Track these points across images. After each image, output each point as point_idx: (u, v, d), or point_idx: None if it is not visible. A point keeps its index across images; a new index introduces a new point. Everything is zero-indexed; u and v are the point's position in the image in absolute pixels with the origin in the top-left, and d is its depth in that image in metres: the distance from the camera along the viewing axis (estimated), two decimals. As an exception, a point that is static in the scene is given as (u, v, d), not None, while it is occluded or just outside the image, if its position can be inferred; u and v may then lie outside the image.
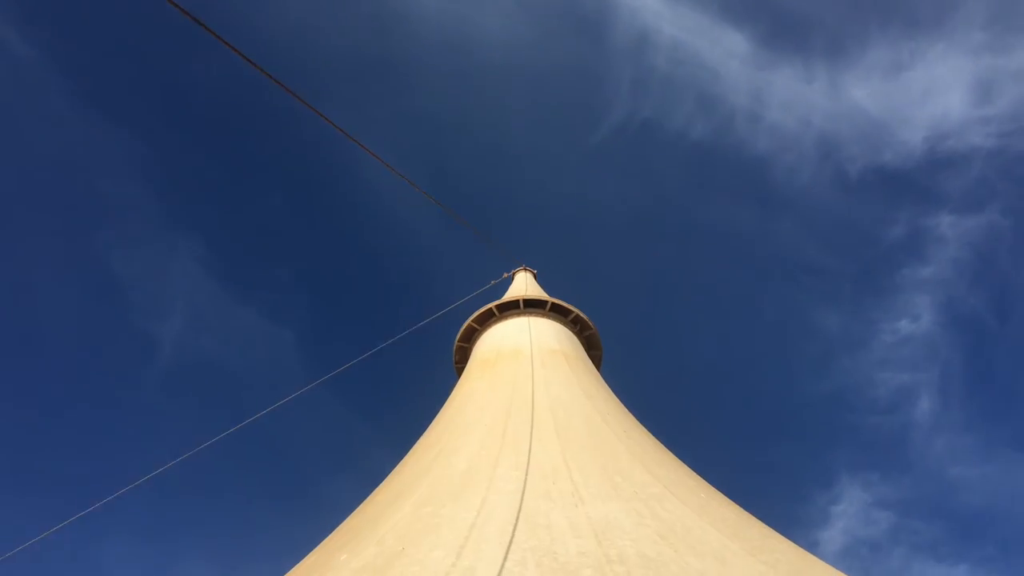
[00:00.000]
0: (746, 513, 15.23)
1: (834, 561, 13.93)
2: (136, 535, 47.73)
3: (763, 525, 14.66)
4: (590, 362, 23.52)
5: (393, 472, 18.28)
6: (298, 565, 14.76)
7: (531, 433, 16.77)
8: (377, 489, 17.53)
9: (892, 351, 57.79)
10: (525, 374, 20.15)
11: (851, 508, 55.54)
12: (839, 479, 56.87)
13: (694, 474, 17.13)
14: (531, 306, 24.54)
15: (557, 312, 24.61)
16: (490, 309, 24.68)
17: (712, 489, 16.35)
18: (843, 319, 59.75)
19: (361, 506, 16.79)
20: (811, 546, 14.35)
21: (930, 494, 55.32)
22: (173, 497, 49.99)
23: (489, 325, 24.58)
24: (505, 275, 28.38)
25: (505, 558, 11.63)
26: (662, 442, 19.21)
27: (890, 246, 58.53)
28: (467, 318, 24.76)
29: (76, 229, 50.80)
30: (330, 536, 15.64)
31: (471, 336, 24.74)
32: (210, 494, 52.42)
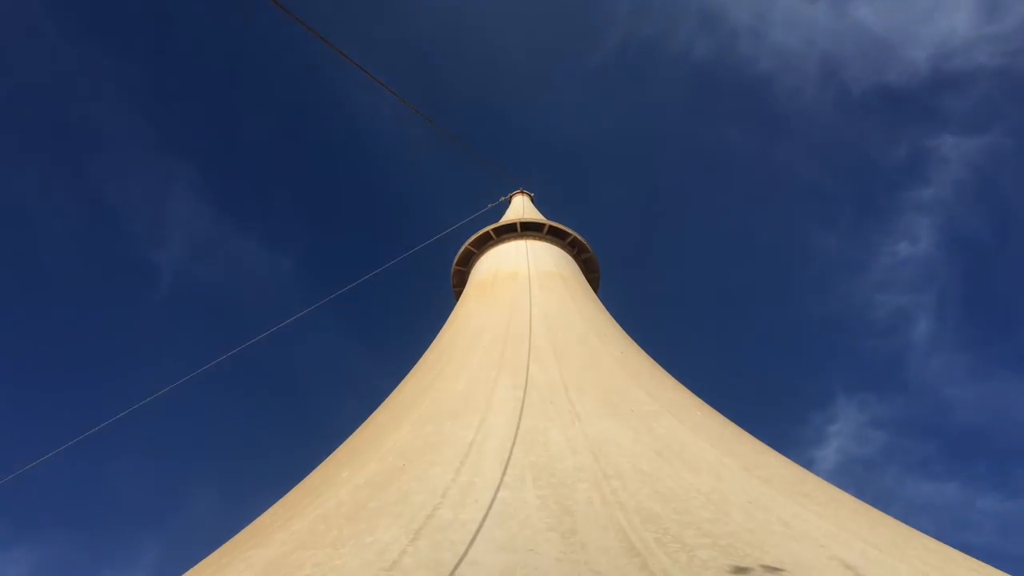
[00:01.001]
0: (741, 430, 15.47)
1: (827, 479, 14.21)
2: (143, 457, 48.70)
3: (758, 442, 14.91)
4: (588, 285, 23.56)
5: (393, 393, 18.48)
6: (301, 483, 15.06)
7: (529, 354, 16.89)
8: (378, 409, 17.75)
9: (891, 273, 57.98)
10: (523, 297, 20.19)
11: (846, 428, 56.65)
12: (835, 400, 57.83)
13: (690, 393, 17.34)
14: (528, 229, 24.44)
15: (555, 235, 24.53)
16: (487, 232, 24.58)
17: (708, 408, 16.57)
18: (842, 242, 59.74)
19: (362, 426, 17.03)
20: (806, 464, 14.61)
21: (924, 414, 56.33)
22: (178, 420, 50.83)
23: (487, 248, 24.52)
24: (502, 199, 28.17)
25: (504, 473, 11.84)
26: (659, 364, 19.38)
27: (891, 168, 58.03)
28: (464, 242, 24.68)
29: (70, 157, 50.14)
30: (332, 455, 15.91)
31: (469, 259, 24.72)
32: (214, 418, 53.29)
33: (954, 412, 55.22)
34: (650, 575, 8.60)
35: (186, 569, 12.37)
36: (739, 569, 8.73)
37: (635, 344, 19.98)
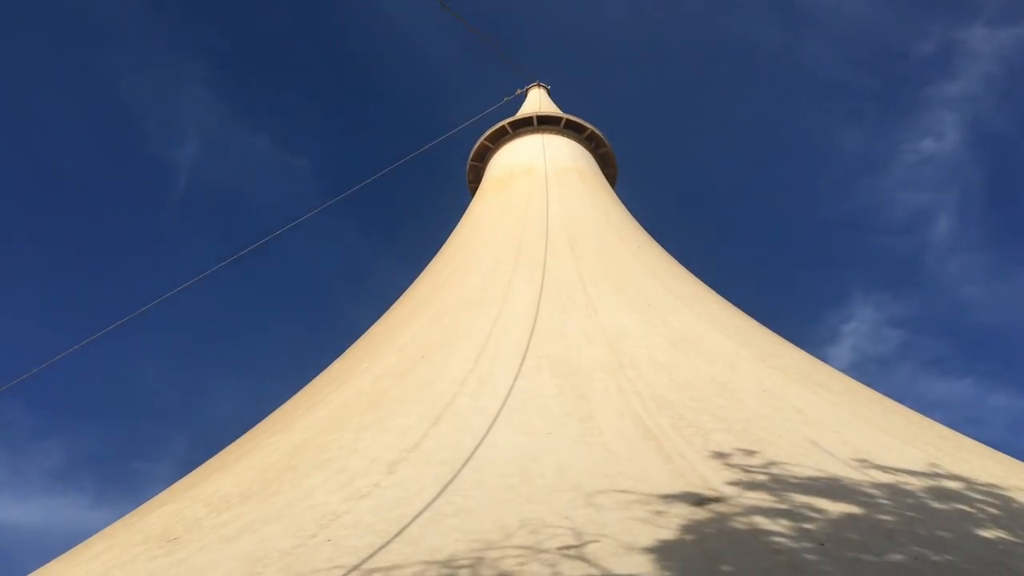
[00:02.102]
0: (757, 323, 15.53)
1: (841, 373, 14.26)
2: (166, 354, 49.77)
3: (773, 334, 14.97)
4: (605, 180, 23.26)
5: (410, 288, 18.60)
6: (321, 375, 15.36)
7: (545, 249, 16.85)
8: (396, 304, 17.91)
9: (913, 171, 56.72)
10: (539, 192, 20.00)
11: (862, 327, 56.66)
12: (852, 299, 57.66)
13: (707, 287, 17.33)
14: (545, 123, 23.95)
15: (571, 129, 24.05)
16: (503, 127, 24.12)
17: (724, 301, 16.59)
18: (866, 138, 58.21)
19: (380, 319, 17.23)
20: (819, 361, 14.62)
21: (941, 312, 56.14)
22: (198, 318, 51.51)
23: (502, 143, 24.12)
24: (518, 91, 27.45)
25: (521, 364, 12.00)
26: (676, 260, 19.31)
27: (918, 61, 55.93)
28: (480, 136, 24.28)
29: (82, 56, 49.15)
30: (352, 347, 16.16)
31: (484, 155, 24.37)
32: (233, 317, 53.98)
33: (971, 311, 55.10)
34: (665, 456, 8.79)
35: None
36: (752, 452, 8.90)
37: (652, 239, 19.86)
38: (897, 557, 6.51)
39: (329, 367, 15.82)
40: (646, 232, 20.33)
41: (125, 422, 46.33)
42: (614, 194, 22.68)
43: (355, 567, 6.03)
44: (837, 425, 10.19)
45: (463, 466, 8.77)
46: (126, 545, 8.31)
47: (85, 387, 45.64)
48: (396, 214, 58.81)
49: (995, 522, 7.52)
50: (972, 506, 7.87)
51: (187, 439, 44.62)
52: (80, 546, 9.84)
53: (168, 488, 11.68)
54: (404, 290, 18.81)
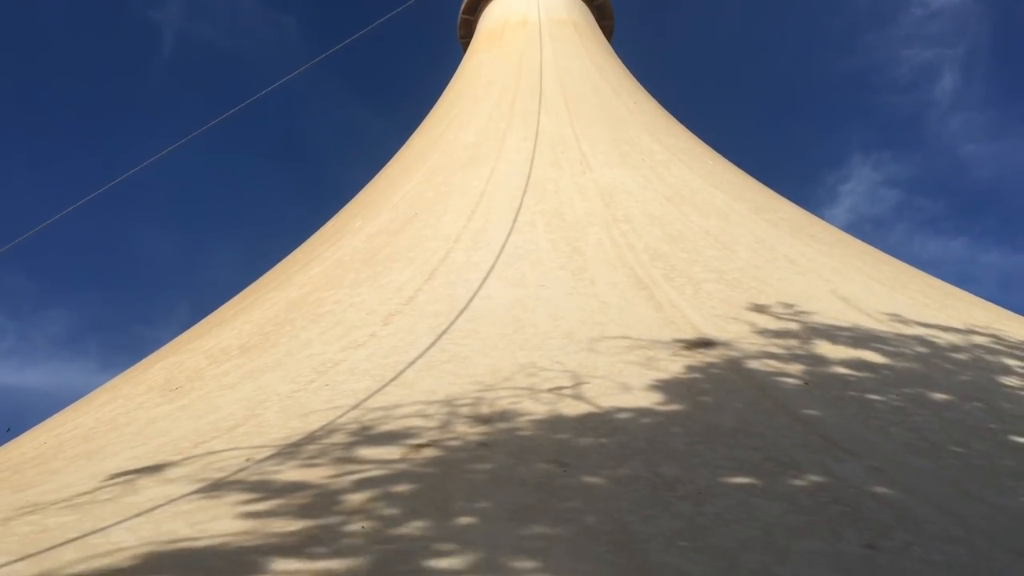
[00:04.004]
0: (752, 178, 15.41)
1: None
2: (161, 219, 49.60)
3: (768, 189, 14.89)
4: (601, 33, 22.43)
5: (403, 147, 18.31)
6: (316, 233, 15.35)
7: (539, 104, 16.47)
8: (388, 163, 17.68)
9: (920, 26, 54.71)
10: (533, 45, 19.32)
11: (859, 187, 56.26)
12: (850, 159, 56.94)
13: (702, 143, 17.07)
14: (539, -27, 22.87)
15: (567, -20, 22.98)
16: (495, -22, 23.02)
17: (720, 156, 16.39)
18: (872, -10, 55.90)
19: (374, 179, 17.06)
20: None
21: (939, 171, 55.59)
22: (190, 182, 50.95)
23: (495, -5, 23.11)
24: (511, -61, 26.03)
25: (515, 220, 11.97)
26: (672, 116, 18.92)
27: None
28: (471, -12, 23.20)
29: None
30: (345, 207, 16.08)
31: (476, 7, 23.35)
32: (224, 179, 53.30)
33: (970, 170, 54.67)
34: (656, 305, 8.91)
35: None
36: (742, 300, 9.02)
37: (648, 94, 19.38)
38: (878, 397, 6.72)
39: (323, 227, 15.79)
40: (642, 87, 19.82)
41: (126, 289, 46.83)
42: (610, 48, 21.94)
43: (353, 407, 6.21)
44: (828, 274, 10.29)
45: (457, 317, 8.90)
46: (130, 395, 8.54)
47: (84, 254, 45.75)
48: (388, 72, 57.11)
49: (978, 361, 7.74)
50: (957, 348, 8.06)
51: (189, 304, 45.23)
52: (85, 398, 10.11)
53: (168, 343, 11.90)
54: (397, 149, 18.52)
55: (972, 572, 3.68)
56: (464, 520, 3.85)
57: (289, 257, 14.52)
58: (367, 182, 17.39)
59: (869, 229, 52.89)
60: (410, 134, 19.12)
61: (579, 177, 13.55)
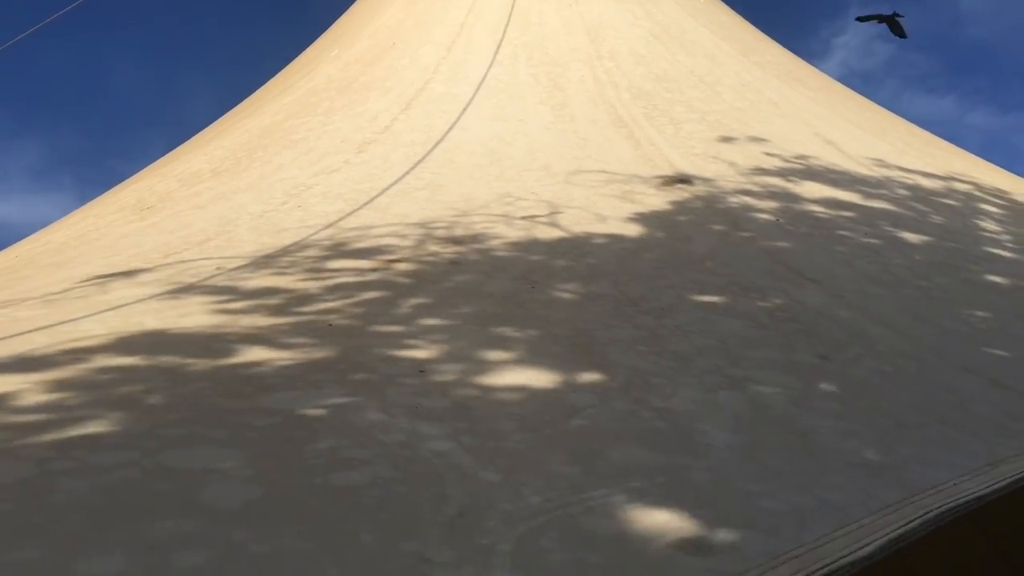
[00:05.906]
0: (743, 19, 14.91)
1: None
2: (133, 49, 47.57)
3: (759, 31, 14.45)
4: None
5: (381, -25, 17.37)
6: (291, 63, 14.83)
7: (526, -69, 15.57)
8: (365, -9, 16.84)
9: None
10: None
11: (853, 41, 54.85)
12: (848, 11, 55.17)
13: (696, -19, 16.36)
14: None
15: None
16: None
17: (712, -6, 15.76)
18: None
19: (351, 8, 16.30)
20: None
21: (936, 27, 54.13)
22: (165, 10, 48.52)
23: None
24: None
25: (496, 52, 11.60)
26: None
27: None
28: None
29: None
30: (322, 35, 15.46)
31: None
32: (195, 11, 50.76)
33: (966, 26, 53.27)
34: (635, 143, 8.82)
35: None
36: (723, 139, 8.94)
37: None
38: (849, 234, 6.80)
39: (298, 56, 15.23)
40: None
41: (101, 123, 45.53)
42: None
43: (326, 226, 6.20)
44: (811, 119, 10.17)
45: (434, 147, 8.76)
46: (101, 215, 8.46)
47: (57, 83, 44.05)
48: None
49: (954, 206, 7.82)
50: (935, 193, 8.12)
51: (164, 139, 44.24)
52: (57, 221, 10.02)
53: (140, 171, 11.70)
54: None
55: (918, 382, 3.85)
56: (431, 321, 3.94)
57: (263, 87, 14.08)
58: (345, 8, 16.64)
59: (858, 85, 51.84)
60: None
61: (565, 10, 13.05)
